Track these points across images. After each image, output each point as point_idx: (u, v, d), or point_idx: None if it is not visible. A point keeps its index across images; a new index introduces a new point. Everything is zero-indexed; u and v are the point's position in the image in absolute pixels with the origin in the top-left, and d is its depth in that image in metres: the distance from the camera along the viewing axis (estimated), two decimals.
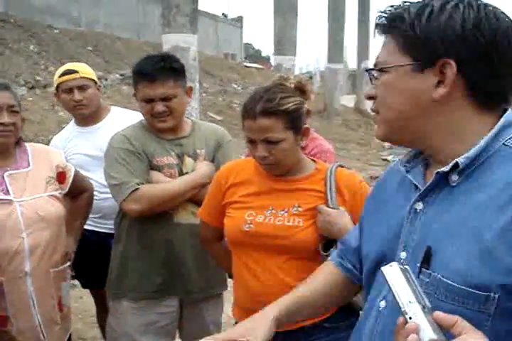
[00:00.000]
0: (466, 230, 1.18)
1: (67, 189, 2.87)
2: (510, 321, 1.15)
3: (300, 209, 2.27)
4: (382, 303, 1.35)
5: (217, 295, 3.07)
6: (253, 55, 55.27)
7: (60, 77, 3.62)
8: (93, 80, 3.66)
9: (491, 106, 1.27)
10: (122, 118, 3.52)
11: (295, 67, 14.43)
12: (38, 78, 12.52)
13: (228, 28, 32.71)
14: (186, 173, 2.85)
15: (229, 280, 2.81)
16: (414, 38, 1.24)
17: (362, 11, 23.98)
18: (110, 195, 2.96)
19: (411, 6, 1.27)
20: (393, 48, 1.29)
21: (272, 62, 14.71)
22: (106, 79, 14.79)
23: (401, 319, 1.04)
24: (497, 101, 1.27)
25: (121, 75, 14.55)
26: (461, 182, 1.24)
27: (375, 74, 1.34)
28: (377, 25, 1.34)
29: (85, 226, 3.23)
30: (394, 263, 1.09)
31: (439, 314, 0.99)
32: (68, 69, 3.62)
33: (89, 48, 16.71)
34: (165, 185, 2.79)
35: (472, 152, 1.22)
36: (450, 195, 1.25)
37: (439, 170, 1.25)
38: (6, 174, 2.64)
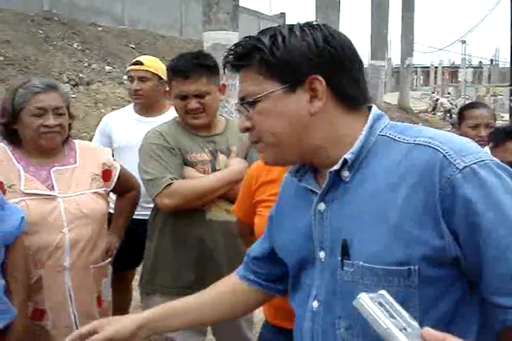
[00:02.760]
0: (370, 216, 1.29)
1: (111, 187, 2.91)
2: (434, 288, 1.25)
3: None
4: (315, 303, 1.41)
5: None
6: None
7: (130, 65, 4.04)
8: (157, 75, 3.92)
9: (358, 108, 1.39)
10: None
11: None
12: (81, 75, 12.68)
13: (271, 24, 32.56)
14: (219, 170, 2.86)
15: None
16: (277, 64, 1.32)
17: (406, 6, 23.73)
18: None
19: (260, 37, 1.35)
20: (256, 78, 1.36)
21: None
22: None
23: None
24: (361, 103, 1.40)
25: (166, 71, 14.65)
26: (353, 176, 1.34)
27: (246, 107, 1.39)
28: (228, 64, 1.41)
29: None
30: (361, 295, 1.07)
31: (426, 332, 0.98)
32: (137, 60, 4.02)
33: (132, 46, 16.87)
34: (198, 180, 2.80)
35: (355, 147, 1.33)
36: (346, 190, 1.35)
37: (330, 169, 1.34)
38: (52, 170, 2.68)
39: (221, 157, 2.90)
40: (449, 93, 38.70)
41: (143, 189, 3.07)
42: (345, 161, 1.33)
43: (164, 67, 3.89)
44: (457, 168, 1.21)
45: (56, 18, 15.49)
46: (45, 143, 2.64)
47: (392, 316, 1.03)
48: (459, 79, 47.06)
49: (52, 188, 2.64)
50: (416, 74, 47.49)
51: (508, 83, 21.14)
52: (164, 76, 3.81)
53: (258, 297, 1.75)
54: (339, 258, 1.33)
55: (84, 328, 1.59)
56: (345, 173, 1.34)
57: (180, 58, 2.89)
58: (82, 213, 2.66)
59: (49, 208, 2.59)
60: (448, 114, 27.27)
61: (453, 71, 54.54)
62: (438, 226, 1.22)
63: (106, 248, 2.89)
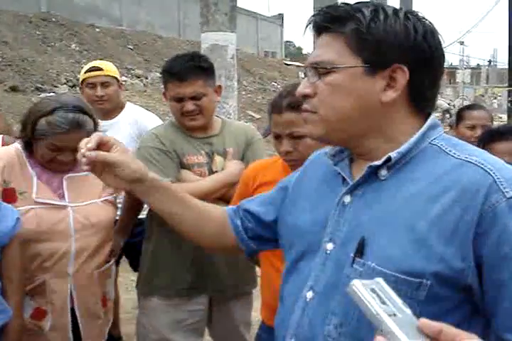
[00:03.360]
0: (398, 220, 1.24)
1: (122, 193, 2.88)
2: (437, 307, 1.21)
3: None
4: (309, 294, 1.36)
5: (246, 294, 3.06)
6: (294, 53, 55.17)
7: (85, 72, 3.89)
8: (116, 78, 3.93)
9: (423, 111, 1.35)
10: (135, 114, 3.85)
11: None
12: (79, 76, 12.67)
13: (269, 25, 32.63)
14: (216, 172, 2.86)
15: (259, 279, 2.80)
16: (370, 40, 1.26)
17: (404, 7, 23.76)
18: None
19: (361, 8, 1.28)
20: (341, 48, 1.29)
21: None
22: (146, 78, 14.94)
23: (379, 338, 0.99)
24: (430, 108, 1.36)
25: (161, 74, 14.67)
26: (390, 176, 1.30)
27: (317, 73, 1.32)
28: (317, 23, 1.33)
29: None
30: (354, 281, 1.06)
31: (422, 321, 0.97)
32: (94, 67, 3.91)
33: (130, 47, 16.88)
34: (195, 183, 2.79)
35: (404, 148, 1.29)
36: (379, 188, 1.31)
37: (371, 163, 1.30)
38: (65, 177, 2.65)
39: (218, 158, 2.89)
40: (447, 94, 38.72)
41: None
42: (388, 159, 1.28)
43: (117, 70, 4.00)
44: (505, 196, 1.17)
45: (54, 19, 15.50)
46: (57, 168, 2.62)
47: (383, 302, 1.02)
48: (457, 80, 47.10)
49: (62, 197, 2.62)
50: None
51: (506, 84, 21.14)
52: (120, 78, 3.98)
53: (229, 242, 1.67)
54: (351, 255, 1.28)
55: (104, 137, 1.51)
56: (384, 172, 1.30)
57: (175, 60, 2.88)
58: (90, 223, 2.64)
59: (58, 217, 2.57)
60: (447, 115, 27.27)
61: (451, 72, 54.56)
62: (464, 248, 1.18)
63: (110, 250, 2.89)
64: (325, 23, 1.31)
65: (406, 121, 1.33)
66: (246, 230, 1.65)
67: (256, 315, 3.20)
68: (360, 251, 1.27)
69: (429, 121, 1.34)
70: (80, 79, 3.98)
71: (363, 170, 1.32)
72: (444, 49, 1.34)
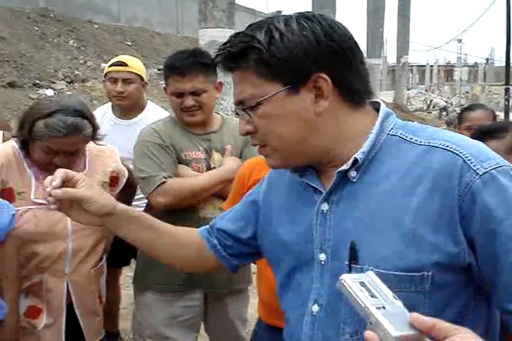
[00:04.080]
0: (381, 219, 1.24)
1: (116, 192, 2.87)
2: (444, 293, 1.22)
3: None
4: (315, 307, 1.35)
5: (241, 290, 3.07)
6: None
7: (110, 66, 3.84)
8: (140, 76, 3.82)
9: (364, 104, 1.34)
10: (156, 117, 3.60)
11: None
12: (76, 72, 12.66)
13: None
14: (214, 168, 2.87)
15: (253, 277, 2.80)
16: (276, 64, 1.24)
17: (402, 5, 23.74)
18: None
19: (254, 34, 1.26)
20: (254, 80, 1.28)
21: None
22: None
23: (368, 332, 1.00)
24: (366, 98, 1.34)
25: (159, 70, 14.62)
26: (360, 177, 1.29)
27: (246, 111, 1.32)
28: (220, 64, 1.33)
29: None
30: (343, 276, 1.07)
31: (413, 317, 0.98)
32: (119, 61, 3.84)
33: (128, 43, 16.85)
34: (192, 179, 2.80)
35: (366, 146, 1.28)
36: (353, 191, 1.30)
37: (339, 169, 1.29)
38: None
39: (216, 155, 2.90)
40: (445, 92, 38.71)
41: None
42: (355, 161, 1.28)
43: (144, 68, 3.90)
44: (477, 173, 1.18)
45: (52, 15, 15.45)
46: (52, 170, 2.60)
47: (372, 295, 1.03)
48: (455, 78, 47.09)
49: None
50: (412, 72, 47.47)
51: (503, 82, 21.15)
52: (145, 77, 3.87)
53: (210, 262, 1.67)
54: (346, 263, 1.27)
55: (68, 173, 1.49)
56: (353, 174, 1.29)
57: (176, 55, 2.89)
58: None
59: (56, 218, 2.56)
60: (444, 112, 27.27)
61: (448, 70, 54.53)
62: (454, 232, 1.18)
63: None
64: (227, 62, 1.31)
65: (354, 119, 1.32)
66: (225, 248, 1.63)
67: (252, 312, 3.22)
68: (353, 257, 1.26)
69: (381, 112, 1.33)
70: (104, 72, 3.93)
71: (332, 177, 1.31)
72: (352, 35, 1.32)
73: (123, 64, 3.80)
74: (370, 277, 1.08)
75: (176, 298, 2.92)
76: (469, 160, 1.19)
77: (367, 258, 1.24)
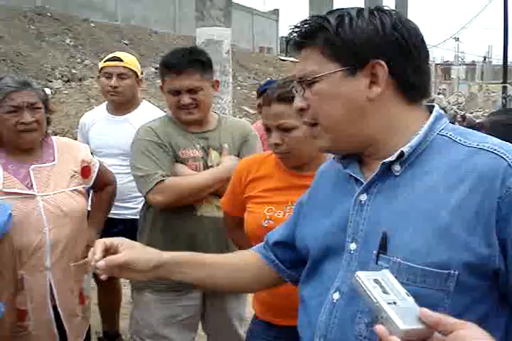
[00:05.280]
0: (418, 213, 1.25)
1: (91, 183, 2.89)
2: (467, 296, 1.21)
3: None
4: (336, 295, 1.37)
5: None
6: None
7: (105, 61, 3.86)
8: (135, 72, 3.85)
9: (418, 101, 1.37)
10: (149, 115, 3.62)
11: None
12: (73, 71, 12.66)
13: (264, 21, 32.57)
14: (211, 167, 2.86)
15: None
16: (341, 45, 1.31)
17: (399, 3, 23.73)
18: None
19: (328, 17, 1.34)
20: (319, 58, 1.34)
21: None
22: (141, 73, 14.90)
23: (378, 326, 1.02)
24: (422, 96, 1.37)
25: (156, 69, 14.62)
26: (404, 171, 1.31)
27: (304, 86, 1.38)
28: (292, 41, 1.39)
29: None
30: (358, 272, 1.10)
31: (423, 312, 1.01)
32: (114, 56, 3.86)
33: (125, 42, 16.84)
34: (190, 177, 2.79)
35: (414, 141, 1.30)
36: (394, 184, 1.32)
37: (384, 160, 1.31)
38: (31, 168, 2.66)
39: (213, 153, 2.89)
40: (444, 89, 38.75)
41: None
42: (401, 154, 1.30)
43: (139, 65, 3.92)
44: None
45: (49, 14, 15.45)
46: (23, 142, 2.63)
47: (385, 292, 1.06)
48: (452, 76, 47.16)
49: (31, 187, 2.62)
50: None
51: (501, 80, 21.19)
52: (140, 74, 3.89)
53: (271, 278, 1.71)
54: (374, 252, 1.29)
55: (106, 242, 1.53)
56: (397, 167, 1.31)
57: (173, 54, 2.88)
58: (62, 212, 2.64)
59: (29, 208, 2.57)
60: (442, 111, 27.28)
61: (446, 68, 54.57)
62: (488, 234, 1.18)
63: (86, 245, 2.88)
64: (300, 39, 1.37)
65: (406, 114, 1.34)
66: (283, 262, 1.68)
67: (250, 311, 3.21)
68: (383, 247, 1.28)
69: (434, 112, 1.35)
70: (99, 68, 3.94)
71: (375, 169, 1.34)
72: (423, 36, 1.36)
73: (118, 59, 3.82)
74: (385, 275, 1.10)
75: (173, 298, 2.91)
76: None
77: (397, 250, 1.25)
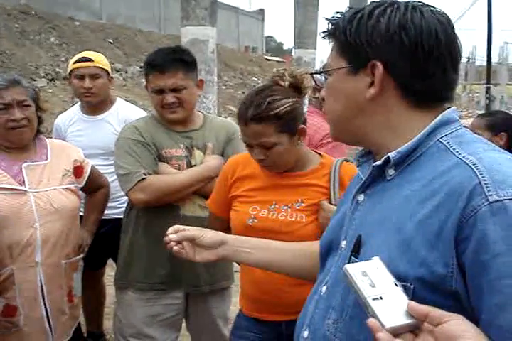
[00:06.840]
0: (391, 222, 1.24)
1: (83, 183, 2.90)
2: None
3: (303, 204, 2.28)
4: (324, 288, 1.40)
5: (223, 289, 3.06)
6: (275, 48, 55.19)
7: (75, 63, 3.75)
8: (106, 71, 3.79)
9: (427, 105, 1.31)
10: (126, 112, 3.67)
11: (316, 61, 14.32)
12: (58, 70, 12.58)
13: (249, 20, 32.54)
14: (195, 166, 2.86)
15: (236, 276, 2.80)
16: (346, 43, 1.32)
17: None
18: None
19: (347, 12, 1.35)
20: (335, 53, 1.37)
21: (293, 55, 14.65)
22: (126, 72, 14.85)
23: (371, 320, 1.04)
24: (431, 100, 1.31)
25: (141, 68, 14.58)
26: (396, 176, 1.30)
27: (325, 77, 1.42)
28: (324, 32, 1.41)
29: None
30: (347, 266, 1.12)
31: (410, 306, 1.02)
32: (84, 57, 3.76)
33: (110, 41, 16.76)
34: (172, 176, 2.80)
35: (404, 147, 1.27)
36: (384, 188, 1.32)
37: (373, 164, 1.33)
38: (24, 165, 2.68)
39: (197, 153, 2.89)
40: None
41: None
42: (388, 159, 1.28)
43: (108, 63, 3.89)
44: (488, 200, 1.08)
45: (33, 12, 15.34)
46: (14, 139, 2.65)
47: (372, 285, 1.07)
48: None
49: (23, 183, 2.64)
50: None
51: (485, 81, 21.31)
52: (110, 72, 3.85)
53: None
54: (349, 253, 1.32)
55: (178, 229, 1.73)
56: (391, 171, 1.30)
57: (157, 53, 2.88)
58: (53, 208, 2.65)
59: (20, 203, 2.58)
60: None
61: None
62: (447, 253, 1.11)
63: (78, 244, 2.89)
64: (327, 34, 1.40)
65: (411, 119, 1.30)
66: None
67: (235, 310, 3.21)
68: (356, 250, 1.30)
69: (439, 117, 1.29)
70: (68, 70, 3.83)
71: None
72: (442, 38, 1.27)
73: (89, 59, 3.73)
74: (374, 264, 1.12)
75: (156, 297, 2.91)
76: (486, 183, 1.10)
77: (365, 255, 1.25)
